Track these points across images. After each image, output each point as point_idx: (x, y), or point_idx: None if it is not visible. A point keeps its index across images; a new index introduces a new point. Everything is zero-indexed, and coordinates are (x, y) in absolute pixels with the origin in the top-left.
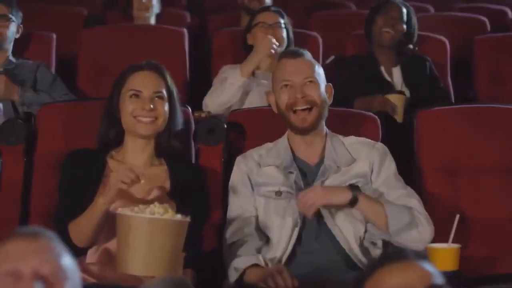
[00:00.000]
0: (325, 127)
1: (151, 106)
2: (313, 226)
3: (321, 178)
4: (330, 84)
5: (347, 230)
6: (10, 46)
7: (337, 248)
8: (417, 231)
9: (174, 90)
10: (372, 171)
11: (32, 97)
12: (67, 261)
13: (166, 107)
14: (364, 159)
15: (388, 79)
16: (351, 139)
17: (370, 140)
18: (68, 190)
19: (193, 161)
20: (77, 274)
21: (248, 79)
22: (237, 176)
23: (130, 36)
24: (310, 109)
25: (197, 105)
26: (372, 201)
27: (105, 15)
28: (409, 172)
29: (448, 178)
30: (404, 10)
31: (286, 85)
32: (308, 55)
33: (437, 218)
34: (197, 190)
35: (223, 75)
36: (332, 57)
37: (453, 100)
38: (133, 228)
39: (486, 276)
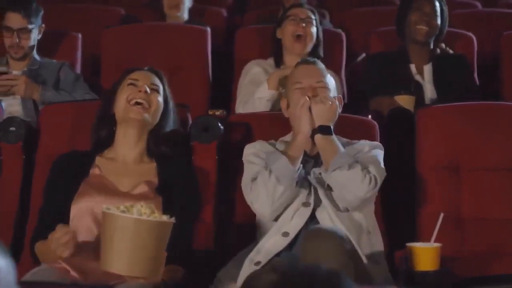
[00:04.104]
0: None
1: (147, 89)
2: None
3: (315, 167)
4: (340, 96)
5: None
6: (33, 49)
7: None
8: (354, 173)
9: (170, 97)
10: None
11: (52, 96)
12: None
13: (161, 101)
14: (354, 151)
15: (416, 77)
16: (352, 141)
17: (367, 140)
18: (47, 197)
19: (189, 159)
20: (10, 275)
21: (276, 91)
22: (252, 150)
23: (152, 35)
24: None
25: (217, 103)
26: (334, 145)
27: (142, 15)
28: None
29: (449, 177)
30: (437, 4)
31: (298, 88)
32: (320, 64)
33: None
34: (187, 187)
35: (249, 74)
36: (363, 55)
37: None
38: (119, 228)
39: (486, 276)
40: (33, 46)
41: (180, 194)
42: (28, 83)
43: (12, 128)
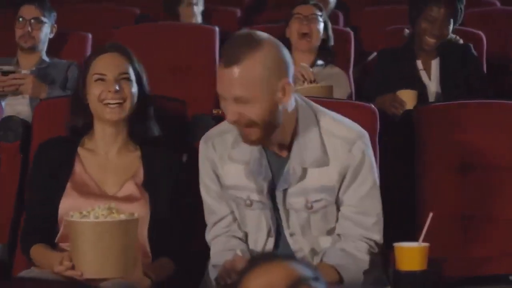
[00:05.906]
0: (296, 113)
1: (117, 87)
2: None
3: (284, 185)
4: (288, 82)
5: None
6: (43, 47)
7: None
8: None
9: (142, 72)
10: (342, 181)
11: (59, 96)
12: None
13: (134, 89)
14: (337, 164)
15: (421, 74)
16: (331, 126)
17: (349, 134)
18: (34, 192)
19: (186, 158)
20: None
21: None
22: (203, 168)
23: (161, 34)
24: (251, 126)
25: None
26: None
27: (157, 14)
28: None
29: (450, 176)
30: (455, 5)
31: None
32: (247, 63)
33: (439, 217)
34: (174, 179)
35: None
36: (374, 54)
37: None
38: (79, 233)
39: (485, 276)
40: (44, 42)
41: (168, 189)
42: (35, 83)
43: (11, 127)
